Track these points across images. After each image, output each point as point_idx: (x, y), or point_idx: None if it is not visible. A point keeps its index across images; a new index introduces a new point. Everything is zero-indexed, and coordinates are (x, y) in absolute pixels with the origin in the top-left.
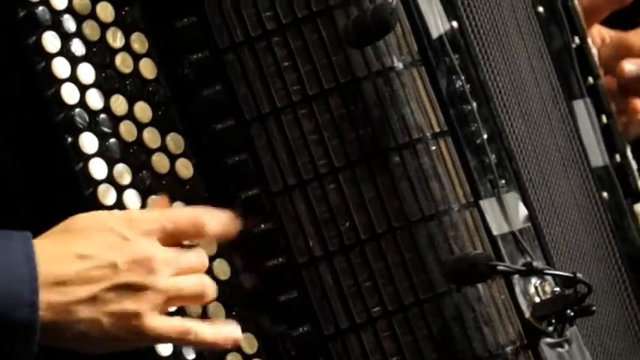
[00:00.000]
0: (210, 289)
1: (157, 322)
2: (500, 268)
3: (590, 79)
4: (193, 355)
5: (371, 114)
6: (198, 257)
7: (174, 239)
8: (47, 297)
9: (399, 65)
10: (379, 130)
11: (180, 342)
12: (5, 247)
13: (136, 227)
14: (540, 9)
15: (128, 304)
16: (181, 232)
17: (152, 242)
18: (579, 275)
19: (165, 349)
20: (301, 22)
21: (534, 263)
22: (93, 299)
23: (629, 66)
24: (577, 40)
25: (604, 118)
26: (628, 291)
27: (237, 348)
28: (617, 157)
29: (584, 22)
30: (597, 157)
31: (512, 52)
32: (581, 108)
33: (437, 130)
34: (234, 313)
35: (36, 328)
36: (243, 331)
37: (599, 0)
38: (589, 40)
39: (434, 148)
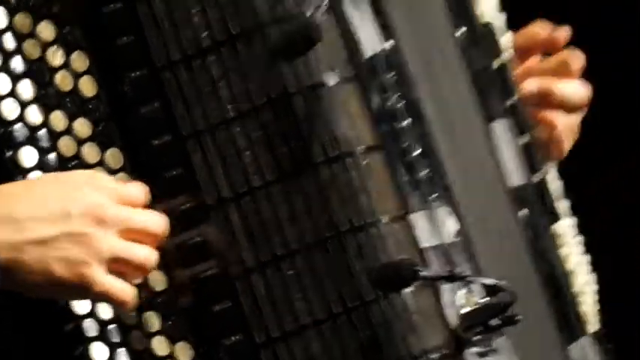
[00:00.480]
0: (152, 263)
1: (102, 276)
2: (423, 273)
3: (510, 100)
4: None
5: (301, 128)
6: (149, 217)
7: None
8: (2, 233)
9: (330, 81)
10: (309, 144)
11: (119, 303)
12: None
13: (92, 183)
14: (462, 30)
15: (77, 252)
16: (132, 201)
17: (107, 199)
18: (502, 283)
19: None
20: (235, 40)
21: (457, 269)
22: (43, 242)
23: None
24: (496, 62)
25: (524, 138)
26: (543, 310)
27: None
28: (536, 177)
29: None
30: (516, 177)
31: (437, 74)
32: (500, 129)
33: (368, 144)
34: (169, 322)
35: None
36: (178, 340)
37: (532, 41)
38: (507, 59)
39: (364, 162)
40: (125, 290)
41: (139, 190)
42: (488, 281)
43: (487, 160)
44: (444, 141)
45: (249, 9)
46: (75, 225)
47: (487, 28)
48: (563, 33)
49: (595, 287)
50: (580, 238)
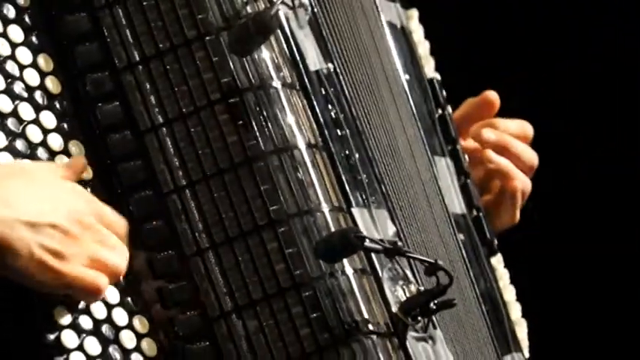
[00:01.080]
0: (123, 271)
1: (79, 268)
2: (368, 244)
3: (451, 146)
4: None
5: (252, 121)
6: (121, 246)
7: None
8: None
9: (278, 83)
10: (260, 136)
11: (89, 291)
12: None
13: (83, 194)
14: (407, 77)
15: (58, 245)
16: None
17: (91, 210)
18: (440, 262)
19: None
20: (190, 43)
21: (399, 244)
22: (32, 225)
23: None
24: (440, 110)
25: (463, 178)
26: (484, 317)
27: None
28: (475, 212)
29: (458, 130)
30: (455, 205)
31: (383, 101)
32: (443, 164)
33: (313, 142)
34: (128, 299)
35: None
36: (136, 313)
37: (471, 110)
38: (448, 111)
39: (310, 157)
40: (98, 278)
41: (121, 221)
42: (428, 260)
43: (430, 182)
44: (386, 157)
45: (204, 16)
46: (61, 220)
47: (432, 82)
48: (494, 96)
49: (525, 328)
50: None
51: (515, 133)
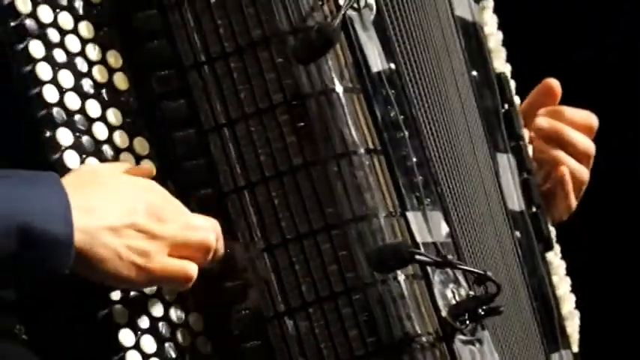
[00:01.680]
0: (213, 244)
1: (165, 260)
2: (419, 257)
3: (514, 142)
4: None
5: (313, 126)
6: (206, 221)
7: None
8: (78, 219)
9: (340, 88)
10: (320, 140)
11: (181, 280)
12: (40, 180)
13: (155, 186)
14: (474, 73)
15: (140, 243)
16: None
17: (167, 200)
18: (489, 274)
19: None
20: (256, 46)
21: (449, 257)
22: (114, 229)
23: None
24: (506, 106)
25: (524, 174)
26: (534, 314)
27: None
28: (533, 208)
29: (524, 121)
30: (514, 202)
31: (447, 99)
32: (504, 160)
33: (371, 147)
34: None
35: (72, 242)
36: (192, 310)
37: (534, 99)
38: (515, 106)
39: (367, 162)
40: (185, 266)
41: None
42: (477, 271)
43: (489, 179)
44: (446, 156)
45: (270, 19)
46: (140, 219)
47: (501, 76)
48: (554, 83)
49: (578, 319)
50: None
51: (577, 122)
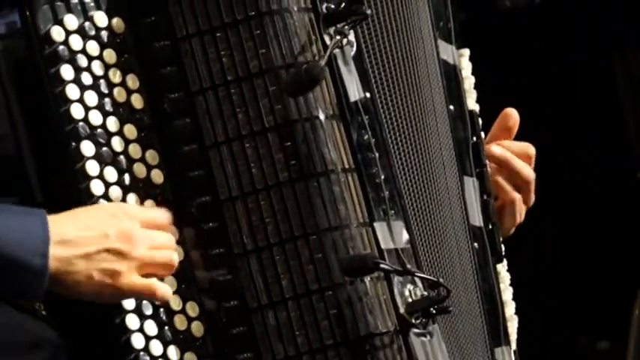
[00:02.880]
0: (176, 262)
1: (132, 279)
2: (382, 265)
3: (479, 169)
4: (151, 311)
5: (298, 148)
6: (168, 239)
7: (151, 227)
8: (54, 251)
9: (323, 116)
10: (304, 160)
11: (146, 296)
12: (27, 217)
13: (125, 212)
14: (451, 107)
15: (113, 264)
16: (156, 224)
17: (135, 223)
18: (441, 280)
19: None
20: (253, 77)
21: (408, 266)
22: (88, 256)
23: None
24: (474, 138)
25: (485, 196)
26: (483, 314)
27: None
28: (490, 225)
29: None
30: (475, 219)
31: (424, 124)
32: (470, 183)
33: (347, 166)
34: (183, 286)
35: (46, 273)
36: (189, 299)
37: (494, 134)
38: (482, 139)
39: (343, 179)
40: (151, 285)
41: (160, 214)
42: (430, 278)
43: (456, 197)
44: (413, 172)
45: (266, 54)
46: (111, 243)
47: (472, 112)
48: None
49: (516, 323)
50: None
51: (516, 151)
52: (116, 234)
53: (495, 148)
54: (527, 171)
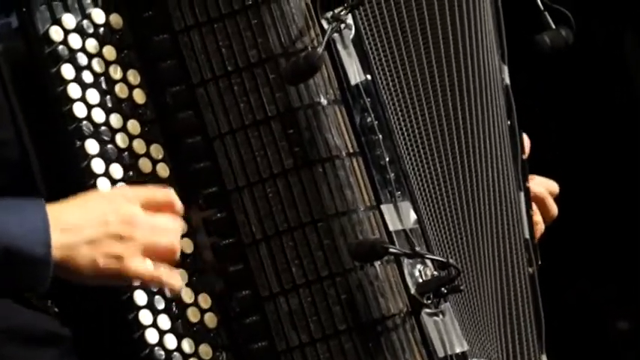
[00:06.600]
0: (178, 248)
1: (136, 263)
2: (391, 250)
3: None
4: (163, 305)
5: (302, 135)
6: (173, 222)
7: (153, 208)
8: (56, 238)
9: (324, 101)
10: (308, 146)
11: (150, 281)
12: (25, 207)
13: (124, 196)
14: (508, 122)
15: (116, 248)
16: (157, 203)
17: (136, 207)
18: (451, 261)
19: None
20: (253, 66)
21: (417, 248)
22: (91, 242)
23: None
24: (523, 156)
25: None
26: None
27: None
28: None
29: None
30: (526, 231)
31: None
32: (521, 196)
33: (351, 151)
34: (194, 278)
35: (50, 261)
36: (201, 291)
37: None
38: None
39: (348, 164)
40: (158, 269)
41: (159, 192)
42: (440, 259)
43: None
44: (416, 151)
45: (265, 42)
46: (113, 228)
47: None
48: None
49: None
50: None
51: (549, 190)
52: (116, 218)
53: (538, 186)
54: (555, 210)
